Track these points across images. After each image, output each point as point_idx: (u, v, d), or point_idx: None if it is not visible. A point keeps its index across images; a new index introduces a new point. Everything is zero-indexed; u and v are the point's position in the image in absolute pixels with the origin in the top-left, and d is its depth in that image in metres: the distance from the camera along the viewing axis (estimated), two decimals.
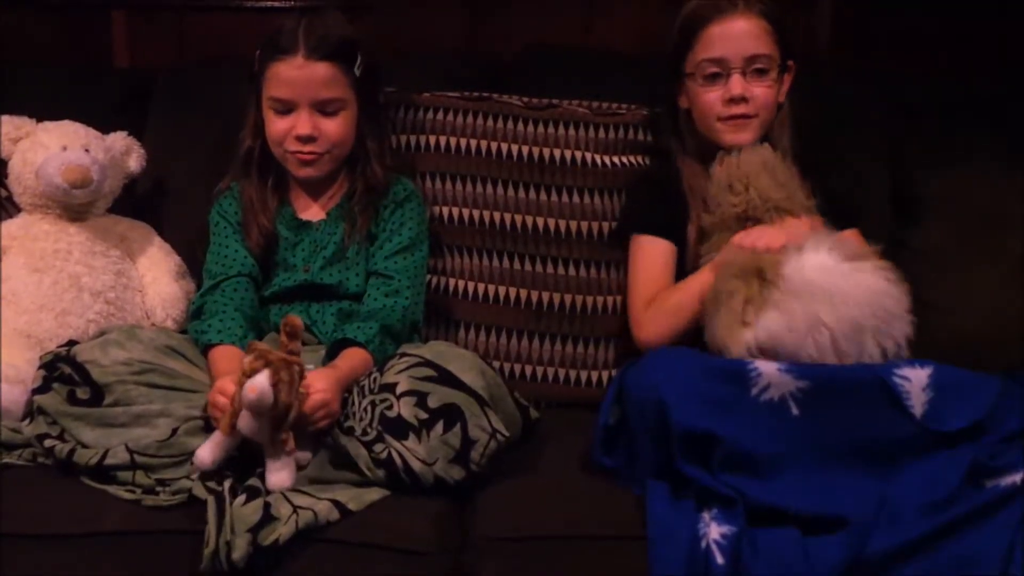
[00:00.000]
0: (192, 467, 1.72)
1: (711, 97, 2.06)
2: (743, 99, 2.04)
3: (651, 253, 2.11)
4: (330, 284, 2.06)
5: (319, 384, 1.76)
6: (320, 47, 2.00)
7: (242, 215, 2.10)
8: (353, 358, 1.89)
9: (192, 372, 1.88)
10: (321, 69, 2.00)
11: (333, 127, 2.04)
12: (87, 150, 2.12)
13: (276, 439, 1.71)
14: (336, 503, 1.67)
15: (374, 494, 1.71)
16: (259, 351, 1.72)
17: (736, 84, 2.04)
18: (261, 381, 1.67)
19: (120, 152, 2.19)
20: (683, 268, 2.09)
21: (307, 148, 2.03)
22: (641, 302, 2.08)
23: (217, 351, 1.92)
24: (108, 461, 1.74)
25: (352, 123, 2.07)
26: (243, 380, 1.69)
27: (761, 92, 2.06)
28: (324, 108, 2.03)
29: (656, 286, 2.08)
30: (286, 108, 2.02)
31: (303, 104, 2.01)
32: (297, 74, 2.00)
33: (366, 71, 2.06)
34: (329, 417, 1.77)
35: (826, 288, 1.78)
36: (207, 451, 1.71)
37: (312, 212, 2.12)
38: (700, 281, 1.96)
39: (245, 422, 1.70)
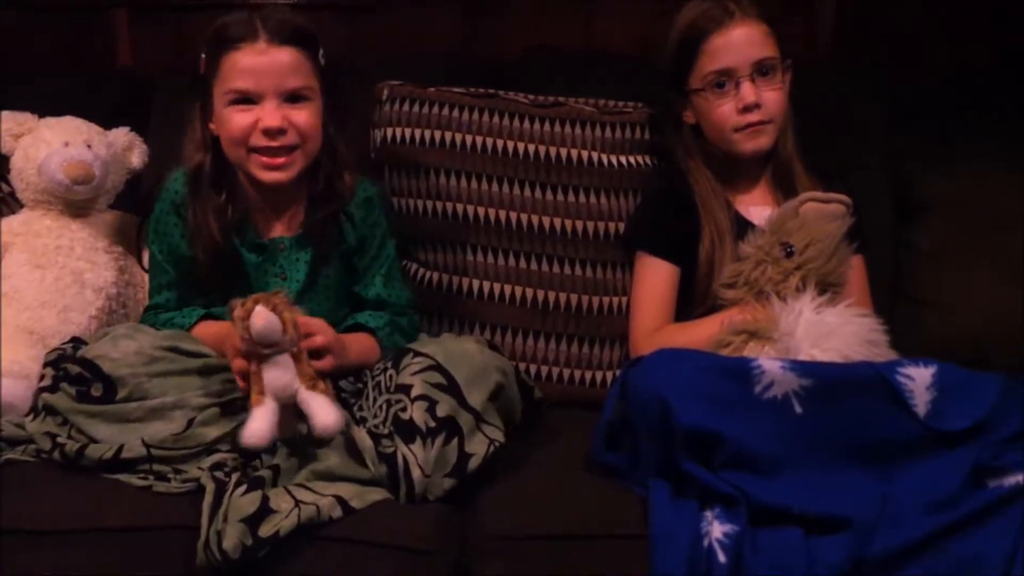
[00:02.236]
0: (247, 444, 1.69)
1: (725, 109, 2.06)
2: (756, 106, 2.04)
3: (655, 277, 2.11)
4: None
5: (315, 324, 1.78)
6: (281, 31, 1.85)
7: (189, 242, 1.93)
8: (359, 337, 1.91)
9: (205, 349, 1.85)
10: (286, 54, 1.85)
11: (303, 117, 1.87)
12: (89, 146, 2.12)
13: (305, 374, 1.71)
14: (339, 499, 1.67)
15: (378, 493, 1.71)
16: (242, 300, 1.71)
17: (748, 92, 2.04)
18: (260, 311, 1.67)
19: (122, 148, 2.19)
20: (692, 287, 2.09)
21: (276, 143, 1.85)
22: (642, 328, 2.10)
23: (203, 325, 1.92)
24: (125, 455, 1.73)
25: (319, 117, 1.90)
26: (243, 325, 1.68)
27: (772, 96, 2.06)
28: (291, 96, 1.86)
29: (659, 314, 2.09)
30: (248, 100, 1.85)
31: (268, 94, 1.84)
32: (260, 60, 1.84)
33: (329, 64, 1.92)
34: (329, 354, 1.78)
35: (822, 327, 1.82)
36: (255, 428, 1.69)
37: (274, 232, 1.98)
38: (709, 329, 1.96)
39: (270, 378, 1.70)
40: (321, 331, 1.79)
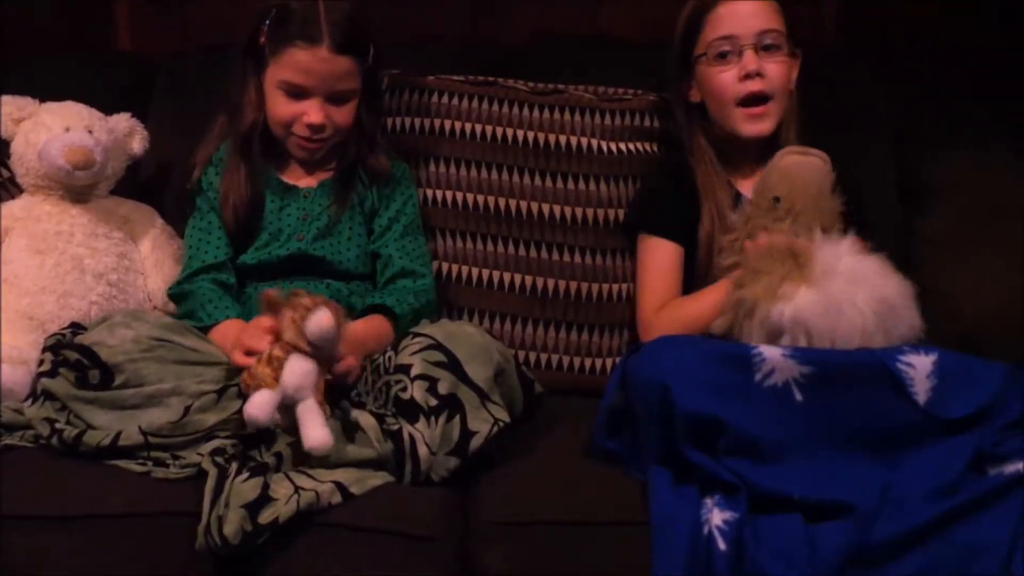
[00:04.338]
0: (247, 423, 1.69)
1: (725, 77, 2.06)
2: (758, 74, 2.03)
3: (659, 256, 2.11)
4: (322, 256, 2.05)
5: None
6: (346, 42, 1.98)
7: (223, 188, 2.08)
8: (376, 327, 1.94)
9: (201, 346, 1.87)
10: (344, 63, 1.99)
11: (342, 115, 2.04)
12: (90, 131, 2.11)
13: (320, 388, 1.72)
14: (339, 485, 1.67)
15: (377, 479, 1.71)
16: (310, 295, 1.72)
17: (750, 59, 2.04)
18: (327, 314, 1.69)
19: (123, 133, 2.18)
20: (693, 269, 2.08)
21: (315, 136, 2.03)
22: (650, 307, 2.08)
23: (224, 326, 1.94)
24: (122, 443, 1.73)
25: (355, 109, 2.07)
26: (304, 314, 1.69)
27: (774, 69, 2.05)
28: (336, 97, 2.02)
29: (665, 291, 2.08)
30: (299, 93, 2.01)
31: (318, 93, 2.00)
32: (319, 66, 1.98)
33: (375, 57, 2.07)
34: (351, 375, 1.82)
35: (861, 271, 1.80)
36: (260, 402, 1.68)
37: (301, 179, 2.12)
38: (716, 295, 1.95)
39: (291, 372, 1.70)
40: (352, 351, 1.81)
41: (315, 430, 1.69)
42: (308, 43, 1.98)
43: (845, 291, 1.77)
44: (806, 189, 1.92)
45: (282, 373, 1.70)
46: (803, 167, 1.94)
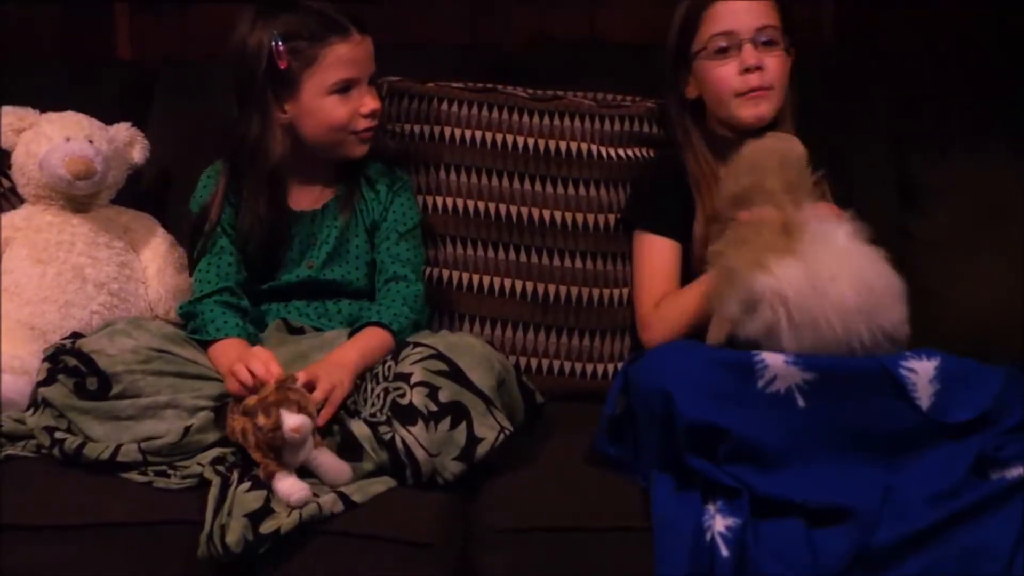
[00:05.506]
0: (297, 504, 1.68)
1: (725, 71, 2.05)
2: (758, 68, 2.03)
3: (656, 252, 2.10)
4: (334, 279, 2.05)
5: (322, 381, 1.79)
6: (360, 22, 2.01)
7: (247, 226, 2.04)
8: (372, 339, 1.92)
9: (200, 358, 1.88)
10: (369, 42, 2.02)
11: (376, 96, 2.05)
12: (91, 141, 2.11)
13: (315, 436, 1.73)
14: (340, 494, 1.67)
15: (379, 486, 1.72)
16: (261, 404, 1.70)
17: (749, 54, 2.03)
18: (292, 420, 1.67)
19: (123, 143, 2.19)
20: (689, 265, 2.08)
21: (375, 122, 2.03)
22: (648, 303, 2.08)
23: (222, 344, 1.92)
24: (120, 458, 1.74)
25: None
26: (274, 435, 1.68)
27: (773, 63, 2.05)
28: (372, 80, 2.04)
29: (663, 287, 2.07)
30: (349, 87, 2.00)
31: (364, 79, 2.01)
32: (359, 51, 1.99)
33: None
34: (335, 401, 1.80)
35: (851, 252, 1.76)
36: (296, 489, 1.68)
37: (304, 203, 2.09)
38: (705, 285, 1.93)
39: (291, 456, 1.71)
40: (319, 379, 1.80)
41: (332, 472, 1.72)
42: (341, 35, 1.98)
43: (830, 268, 1.73)
44: (755, 169, 1.86)
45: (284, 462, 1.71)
46: (759, 150, 1.90)
